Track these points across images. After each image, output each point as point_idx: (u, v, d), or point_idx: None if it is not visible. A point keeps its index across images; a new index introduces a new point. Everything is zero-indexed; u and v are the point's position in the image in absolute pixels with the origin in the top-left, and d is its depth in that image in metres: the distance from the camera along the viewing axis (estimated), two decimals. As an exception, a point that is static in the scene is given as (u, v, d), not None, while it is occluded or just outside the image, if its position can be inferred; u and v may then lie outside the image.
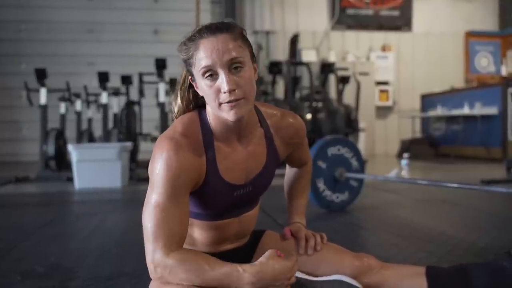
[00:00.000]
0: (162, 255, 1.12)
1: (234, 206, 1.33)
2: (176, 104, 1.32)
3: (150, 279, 1.21)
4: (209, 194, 1.26)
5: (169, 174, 1.16)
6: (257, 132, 1.33)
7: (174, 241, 1.14)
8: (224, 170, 1.26)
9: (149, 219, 1.15)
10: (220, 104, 1.17)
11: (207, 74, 1.16)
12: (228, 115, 1.17)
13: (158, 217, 1.14)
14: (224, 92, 1.15)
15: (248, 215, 1.40)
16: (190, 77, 1.25)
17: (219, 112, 1.19)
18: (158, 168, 1.16)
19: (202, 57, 1.16)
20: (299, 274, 1.39)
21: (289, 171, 1.65)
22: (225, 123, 1.24)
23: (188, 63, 1.21)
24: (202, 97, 1.25)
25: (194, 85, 1.25)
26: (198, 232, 1.35)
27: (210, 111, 1.25)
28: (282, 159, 1.43)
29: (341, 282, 1.33)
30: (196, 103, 1.32)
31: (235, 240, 1.41)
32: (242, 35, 1.21)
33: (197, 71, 1.18)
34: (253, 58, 1.23)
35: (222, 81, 1.14)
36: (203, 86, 1.18)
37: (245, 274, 1.11)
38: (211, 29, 1.17)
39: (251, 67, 1.21)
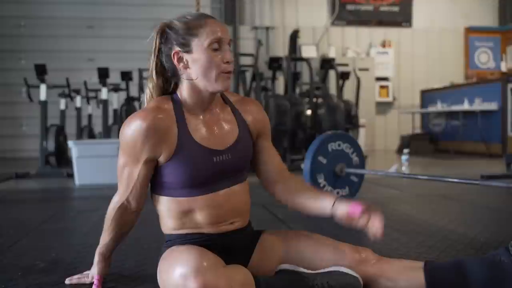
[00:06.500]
0: (115, 200, 1.57)
1: (219, 175, 1.39)
2: (150, 86, 1.43)
3: (151, 274, 1.22)
4: (189, 160, 1.35)
5: (132, 136, 1.35)
6: (224, 109, 1.47)
7: (129, 192, 1.51)
8: (197, 134, 1.38)
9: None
10: (219, 73, 1.34)
11: (215, 45, 1.33)
12: (223, 84, 1.35)
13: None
14: (227, 62, 1.34)
15: (237, 190, 1.43)
16: (177, 50, 1.35)
17: (213, 81, 1.34)
18: (124, 132, 1.37)
19: (212, 31, 1.33)
20: (298, 269, 1.40)
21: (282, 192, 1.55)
22: (200, 97, 1.39)
23: (187, 33, 1.34)
24: (173, 83, 1.42)
25: (180, 56, 1.36)
26: (198, 213, 1.39)
27: (186, 86, 1.38)
28: (254, 136, 1.51)
29: (339, 272, 1.34)
30: (166, 90, 1.44)
31: (231, 218, 1.43)
32: None
33: (201, 41, 1.33)
34: None
35: (227, 53, 1.34)
36: (201, 56, 1.33)
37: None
38: (212, 17, 1.38)
39: None
